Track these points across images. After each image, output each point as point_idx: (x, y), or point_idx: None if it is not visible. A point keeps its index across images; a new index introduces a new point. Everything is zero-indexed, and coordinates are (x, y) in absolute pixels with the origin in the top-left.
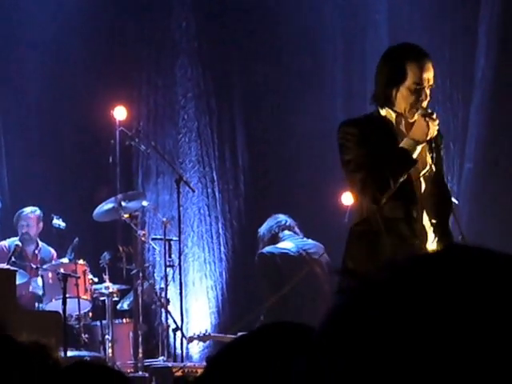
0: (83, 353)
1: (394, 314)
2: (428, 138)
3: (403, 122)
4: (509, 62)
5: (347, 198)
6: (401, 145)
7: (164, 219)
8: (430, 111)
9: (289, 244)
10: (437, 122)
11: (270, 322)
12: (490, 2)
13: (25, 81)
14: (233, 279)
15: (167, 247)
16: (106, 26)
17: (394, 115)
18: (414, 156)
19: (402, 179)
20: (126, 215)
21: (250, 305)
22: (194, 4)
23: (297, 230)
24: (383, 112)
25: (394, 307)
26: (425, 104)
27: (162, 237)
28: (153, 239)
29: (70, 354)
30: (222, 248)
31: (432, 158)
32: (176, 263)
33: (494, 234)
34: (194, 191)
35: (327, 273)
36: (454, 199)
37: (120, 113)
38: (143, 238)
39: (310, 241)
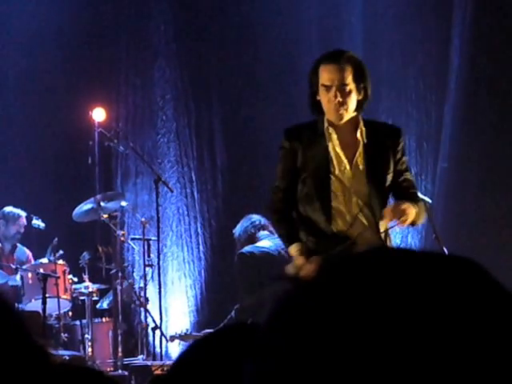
0: (63, 352)
1: (324, 310)
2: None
3: (333, 132)
4: (482, 61)
5: None
6: (291, 247)
7: (143, 219)
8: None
9: (267, 243)
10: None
11: (240, 320)
12: (463, 3)
13: (1, 81)
14: (211, 278)
15: (146, 247)
16: (85, 28)
17: (326, 125)
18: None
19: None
20: (105, 215)
21: (228, 303)
22: (172, 7)
23: (271, 228)
24: (322, 120)
25: (324, 304)
26: (338, 104)
27: (141, 236)
28: (132, 239)
29: None
30: (201, 247)
31: (367, 164)
32: (155, 263)
33: (469, 233)
34: (172, 191)
35: None
36: (427, 198)
37: (99, 114)
38: (122, 238)
39: None
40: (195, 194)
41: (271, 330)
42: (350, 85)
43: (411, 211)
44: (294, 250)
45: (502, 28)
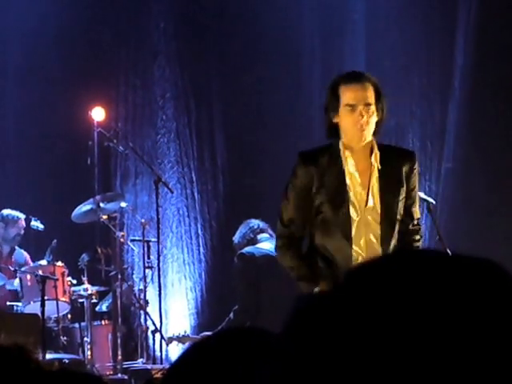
0: (62, 355)
1: (347, 317)
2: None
3: (350, 157)
4: (487, 61)
5: None
6: (302, 286)
7: (143, 220)
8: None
9: (268, 245)
10: None
11: (238, 321)
12: (467, 2)
13: (1, 80)
14: (212, 280)
15: (146, 248)
16: (84, 27)
17: (341, 149)
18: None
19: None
20: (105, 216)
21: (229, 306)
22: (172, 5)
23: (270, 231)
24: (339, 145)
25: (347, 311)
26: (365, 123)
27: (141, 238)
28: (131, 240)
29: (48, 356)
30: (202, 249)
31: (381, 191)
32: (155, 264)
33: (473, 234)
34: (172, 192)
35: None
36: (431, 199)
37: (98, 114)
38: (122, 240)
39: None
40: (196, 194)
41: (289, 335)
42: (373, 105)
43: None
44: (308, 286)
45: (507, 27)
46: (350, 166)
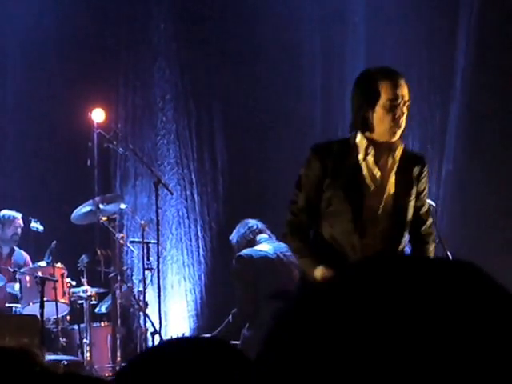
0: (61, 357)
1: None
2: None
3: (372, 152)
4: (488, 62)
5: None
6: (315, 271)
7: (142, 222)
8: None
9: (266, 246)
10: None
11: (237, 324)
12: (469, 2)
13: (1, 83)
14: (211, 282)
15: (145, 250)
16: (85, 28)
17: (365, 144)
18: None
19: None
20: (104, 218)
21: (229, 308)
22: (172, 6)
23: (269, 232)
24: (358, 139)
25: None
26: (403, 122)
27: (141, 239)
28: (131, 242)
29: (47, 357)
30: (201, 251)
31: (396, 187)
32: (154, 266)
33: (473, 236)
34: (172, 194)
35: None
36: (431, 201)
37: (98, 115)
38: (121, 241)
39: (283, 244)
40: (195, 196)
41: (276, 340)
42: (408, 101)
43: None
44: (319, 272)
45: (508, 28)
46: (369, 160)
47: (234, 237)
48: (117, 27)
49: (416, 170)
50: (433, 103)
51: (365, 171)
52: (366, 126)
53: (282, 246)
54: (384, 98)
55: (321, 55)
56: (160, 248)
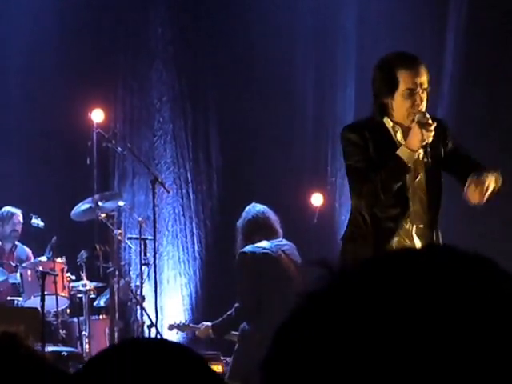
0: (61, 348)
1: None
2: (423, 143)
3: (399, 131)
4: (476, 68)
5: (316, 199)
6: (397, 152)
7: (139, 219)
8: (426, 117)
9: (267, 243)
10: (432, 128)
11: (239, 319)
12: (458, 6)
13: (2, 83)
14: (206, 277)
15: (143, 246)
16: (84, 32)
17: (391, 124)
18: (410, 164)
19: (395, 186)
20: (103, 215)
21: (223, 302)
22: (170, 10)
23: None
24: (380, 120)
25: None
26: (423, 107)
27: (138, 236)
28: (129, 238)
29: (48, 349)
30: (196, 247)
31: (426, 162)
32: (151, 261)
33: (471, 239)
34: (168, 192)
35: (300, 273)
36: None
37: (97, 115)
38: (119, 237)
39: (284, 241)
40: (191, 194)
41: (287, 338)
42: (428, 88)
43: (491, 179)
44: (402, 149)
45: (495, 30)
46: (399, 139)
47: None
48: (115, 31)
49: (440, 137)
50: None
51: (395, 149)
52: (386, 112)
53: (283, 244)
54: (403, 87)
55: (313, 59)
56: (156, 244)
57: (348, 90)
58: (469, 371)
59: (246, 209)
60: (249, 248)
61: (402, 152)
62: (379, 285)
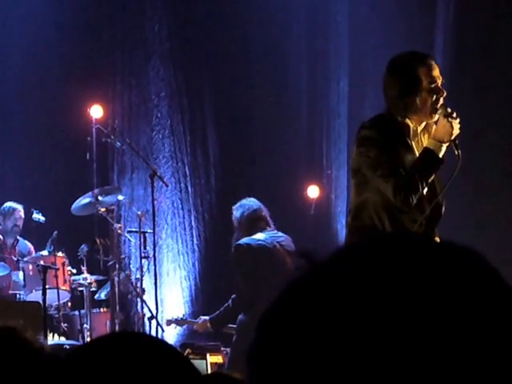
0: (62, 341)
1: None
2: (452, 137)
3: (418, 128)
4: (466, 61)
5: (312, 192)
6: (426, 145)
7: (139, 212)
8: (449, 110)
9: (262, 235)
10: (458, 120)
11: (236, 310)
12: (446, 1)
13: (1, 79)
14: (205, 269)
15: (142, 239)
16: (82, 28)
17: (409, 124)
18: (440, 156)
19: (430, 180)
20: (103, 209)
21: (222, 294)
22: (167, 7)
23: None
24: (399, 119)
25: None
26: (442, 100)
27: (138, 229)
28: (128, 232)
29: (49, 342)
30: (195, 240)
31: (457, 155)
32: (151, 255)
33: (468, 230)
34: (167, 186)
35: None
36: None
37: (96, 111)
38: (119, 231)
39: (280, 233)
40: (189, 188)
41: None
42: (443, 80)
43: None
44: (430, 142)
45: (484, 26)
46: (424, 139)
47: (237, 212)
48: (113, 28)
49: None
50: None
51: (415, 149)
52: (409, 111)
53: (279, 236)
54: (425, 82)
55: (306, 55)
56: (156, 237)
57: (341, 82)
58: (443, 360)
59: (241, 202)
60: (244, 240)
61: (431, 144)
62: (357, 272)
